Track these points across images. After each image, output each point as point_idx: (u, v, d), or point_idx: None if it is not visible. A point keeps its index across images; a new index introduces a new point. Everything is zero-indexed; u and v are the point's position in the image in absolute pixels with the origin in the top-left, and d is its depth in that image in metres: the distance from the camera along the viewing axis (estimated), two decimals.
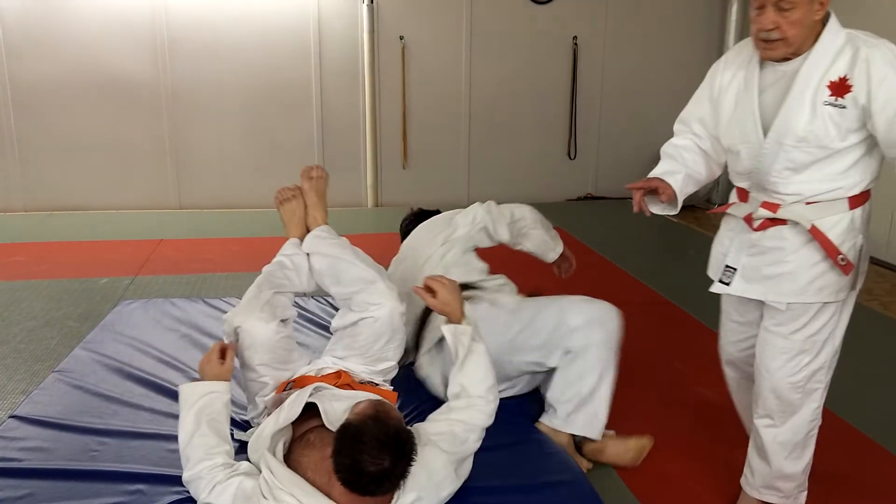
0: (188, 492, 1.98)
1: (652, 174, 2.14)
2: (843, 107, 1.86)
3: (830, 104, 1.87)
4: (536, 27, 6.81)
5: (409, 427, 1.86)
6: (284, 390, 2.23)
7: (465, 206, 3.00)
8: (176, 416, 2.09)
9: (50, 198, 6.34)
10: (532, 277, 3.09)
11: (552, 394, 2.52)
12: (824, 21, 1.90)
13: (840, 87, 1.86)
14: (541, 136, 7.06)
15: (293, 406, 1.99)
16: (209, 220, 6.19)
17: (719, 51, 6.85)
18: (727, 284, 2.12)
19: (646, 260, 5.24)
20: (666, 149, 2.21)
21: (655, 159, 2.21)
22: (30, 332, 3.59)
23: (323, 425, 1.89)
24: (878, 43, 1.87)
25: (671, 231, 6.11)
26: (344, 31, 6.49)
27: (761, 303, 2.10)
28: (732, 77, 2.07)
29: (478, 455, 2.06)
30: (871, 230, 2.05)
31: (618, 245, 5.44)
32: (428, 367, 2.65)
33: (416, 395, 2.62)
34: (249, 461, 1.98)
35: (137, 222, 6.00)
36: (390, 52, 6.58)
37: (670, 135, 2.24)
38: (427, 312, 2.66)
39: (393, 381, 2.45)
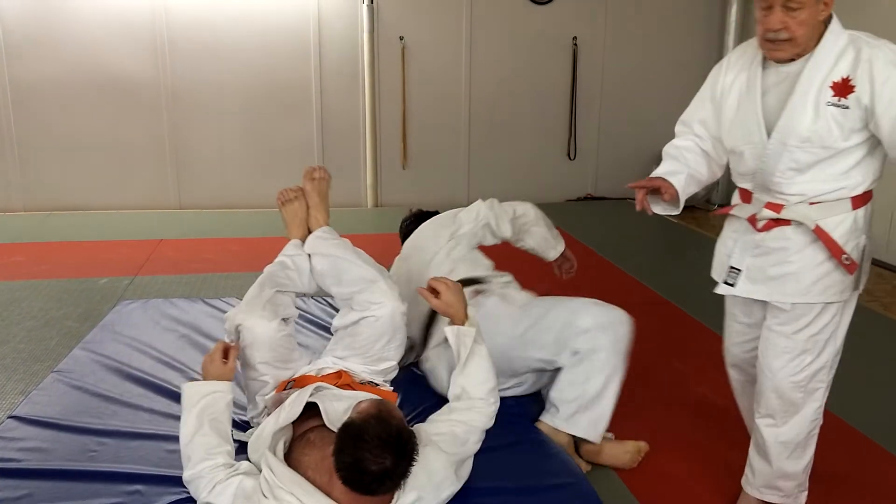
0: (187, 492, 1.98)
1: (654, 174, 2.15)
2: (847, 107, 1.87)
3: (833, 104, 1.88)
4: (536, 28, 6.81)
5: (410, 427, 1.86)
6: (284, 389, 2.23)
7: (465, 207, 3.00)
8: (175, 417, 2.09)
9: (50, 198, 6.34)
10: (533, 278, 3.09)
11: (556, 393, 2.51)
12: (826, 22, 1.91)
13: (843, 88, 1.87)
14: (540, 136, 7.06)
15: (294, 405, 1.99)
16: (209, 220, 6.18)
17: (719, 51, 6.85)
18: (732, 286, 2.13)
19: (645, 260, 5.24)
20: (668, 150, 2.22)
21: (655, 159, 2.21)
22: (29, 332, 3.58)
23: (323, 425, 1.89)
24: (880, 44, 1.88)
25: (670, 231, 6.11)
26: (344, 32, 6.49)
27: (765, 303, 2.11)
28: (735, 79, 2.08)
29: (478, 456, 2.06)
30: (871, 231, 2.05)
31: (617, 245, 5.44)
32: (435, 360, 2.66)
33: (416, 395, 2.62)
34: (249, 461, 1.98)
35: (137, 222, 6.00)
36: (390, 53, 6.58)
37: (670, 135, 2.25)
38: None
39: (393, 382, 2.45)
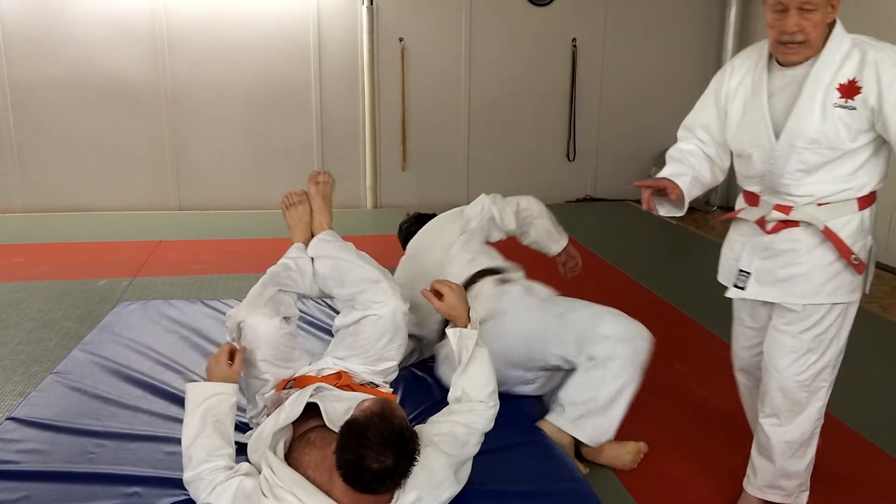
0: (186, 494, 1.97)
1: (659, 176, 2.17)
2: (853, 108, 1.90)
3: (841, 106, 1.91)
4: (536, 29, 6.81)
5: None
6: (284, 388, 2.23)
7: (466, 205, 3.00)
8: (174, 419, 2.08)
9: (49, 199, 6.34)
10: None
11: (565, 394, 2.49)
12: (830, 26, 1.93)
13: (850, 90, 1.90)
14: (540, 137, 7.07)
15: (294, 405, 1.99)
16: (208, 221, 6.18)
17: (719, 52, 6.86)
18: (742, 289, 2.13)
19: (644, 261, 5.24)
20: (671, 153, 2.23)
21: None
22: (28, 333, 3.58)
23: (323, 425, 1.90)
24: (884, 46, 1.92)
25: (670, 233, 6.11)
26: (343, 33, 6.49)
27: (770, 305, 2.12)
28: (740, 83, 2.10)
29: (479, 458, 2.06)
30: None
31: (616, 247, 5.44)
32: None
33: (416, 395, 2.62)
34: (249, 462, 1.98)
35: (136, 223, 6.00)
36: (390, 54, 6.58)
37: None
38: None
39: (393, 382, 2.45)
